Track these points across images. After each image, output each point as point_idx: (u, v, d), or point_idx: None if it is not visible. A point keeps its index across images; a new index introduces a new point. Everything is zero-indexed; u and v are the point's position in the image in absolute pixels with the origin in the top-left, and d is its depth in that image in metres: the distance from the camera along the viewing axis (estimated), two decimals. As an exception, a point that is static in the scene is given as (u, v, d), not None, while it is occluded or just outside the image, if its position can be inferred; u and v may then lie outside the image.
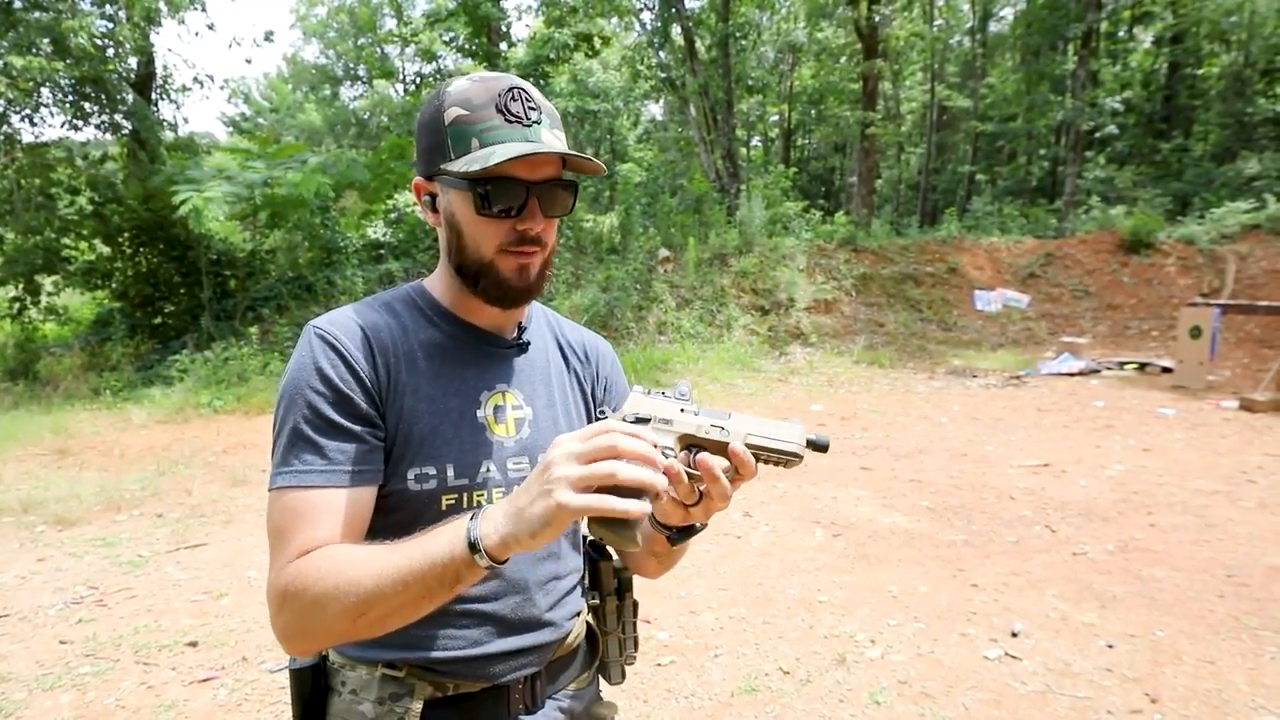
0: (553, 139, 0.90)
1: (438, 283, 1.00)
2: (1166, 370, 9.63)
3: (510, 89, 0.88)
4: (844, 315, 12.67)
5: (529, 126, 0.88)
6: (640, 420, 0.78)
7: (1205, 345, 8.70)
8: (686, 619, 3.31)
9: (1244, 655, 2.91)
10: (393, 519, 0.88)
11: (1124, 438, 6.54)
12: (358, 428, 0.87)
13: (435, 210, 0.94)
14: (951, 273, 13.96)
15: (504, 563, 0.75)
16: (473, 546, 0.72)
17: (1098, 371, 10.08)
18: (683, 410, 0.80)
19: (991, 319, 13.16)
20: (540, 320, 1.09)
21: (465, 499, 0.92)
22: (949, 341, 12.39)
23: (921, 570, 3.80)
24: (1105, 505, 4.76)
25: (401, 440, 0.90)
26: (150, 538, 4.43)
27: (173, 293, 10.80)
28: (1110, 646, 2.99)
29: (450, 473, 0.91)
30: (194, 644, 3.11)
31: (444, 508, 0.90)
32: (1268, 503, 4.75)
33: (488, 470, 0.93)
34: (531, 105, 0.89)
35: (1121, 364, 10.35)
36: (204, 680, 2.83)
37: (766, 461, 0.78)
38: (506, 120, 0.87)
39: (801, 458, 0.77)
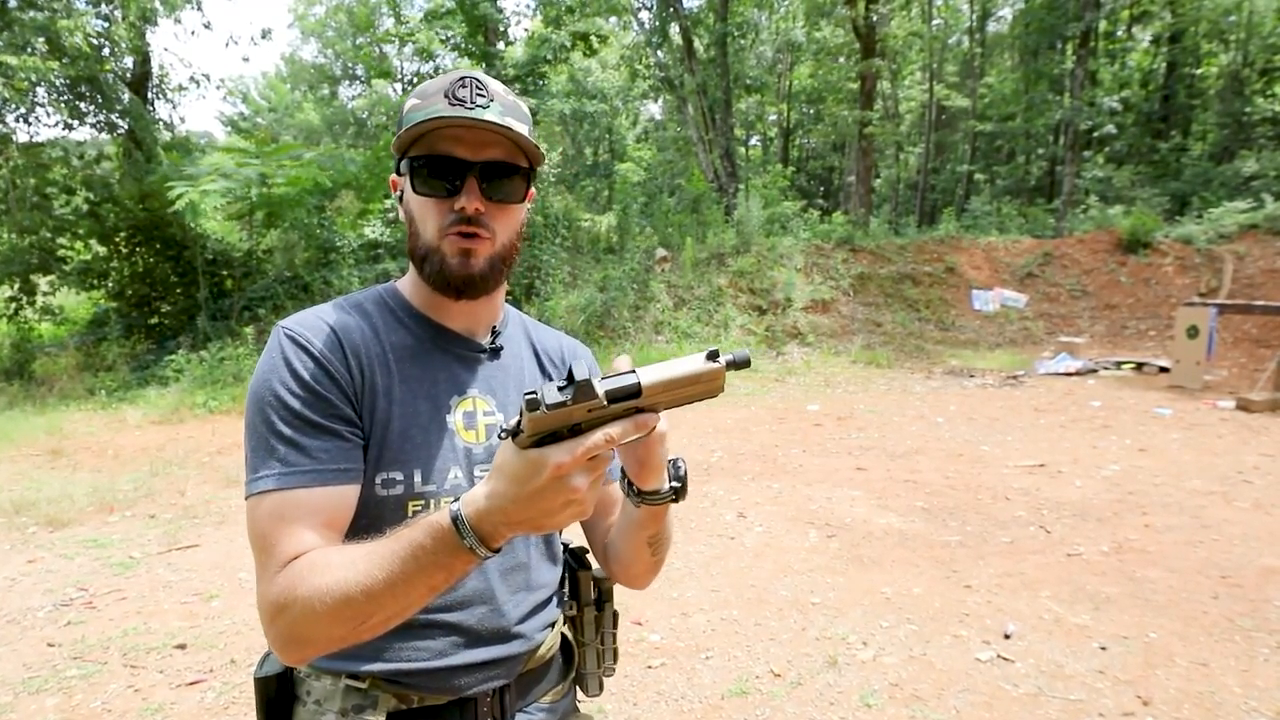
0: (498, 120, 0.87)
1: (409, 283, 0.99)
2: (1163, 370, 9.63)
3: (463, 78, 0.89)
4: (841, 315, 12.67)
5: (471, 109, 0.87)
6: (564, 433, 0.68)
7: (1202, 345, 8.69)
8: (678, 620, 3.30)
9: (1237, 657, 2.90)
10: (358, 524, 0.86)
11: (1120, 438, 6.53)
12: (338, 426, 0.85)
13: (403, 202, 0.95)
14: (949, 272, 13.96)
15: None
16: (470, 546, 0.70)
17: (1095, 371, 10.08)
18: (589, 410, 0.68)
19: (989, 319, 13.15)
20: (515, 325, 1.07)
21: (431, 505, 0.90)
22: (946, 341, 12.39)
23: (915, 571, 3.79)
24: (1100, 506, 4.75)
25: (375, 444, 0.88)
26: (142, 539, 4.41)
27: (169, 292, 10.78)
28: (1103, 648, 2.98)
29: (417, 478, 0.89)
30: (183, 646, 3.09)
31: (410, 514, 0.88)
32: (1263, 503, 4.74)
33: (455, 477, 0.92)
34: (481, 92, 0.88)
35: (1119, 364, 10.35)
36: (192, 683, 2.81)
37: (688, 403, 0.71)
38: (450, 103, 0.87)
39: (717, 382, 0.68)
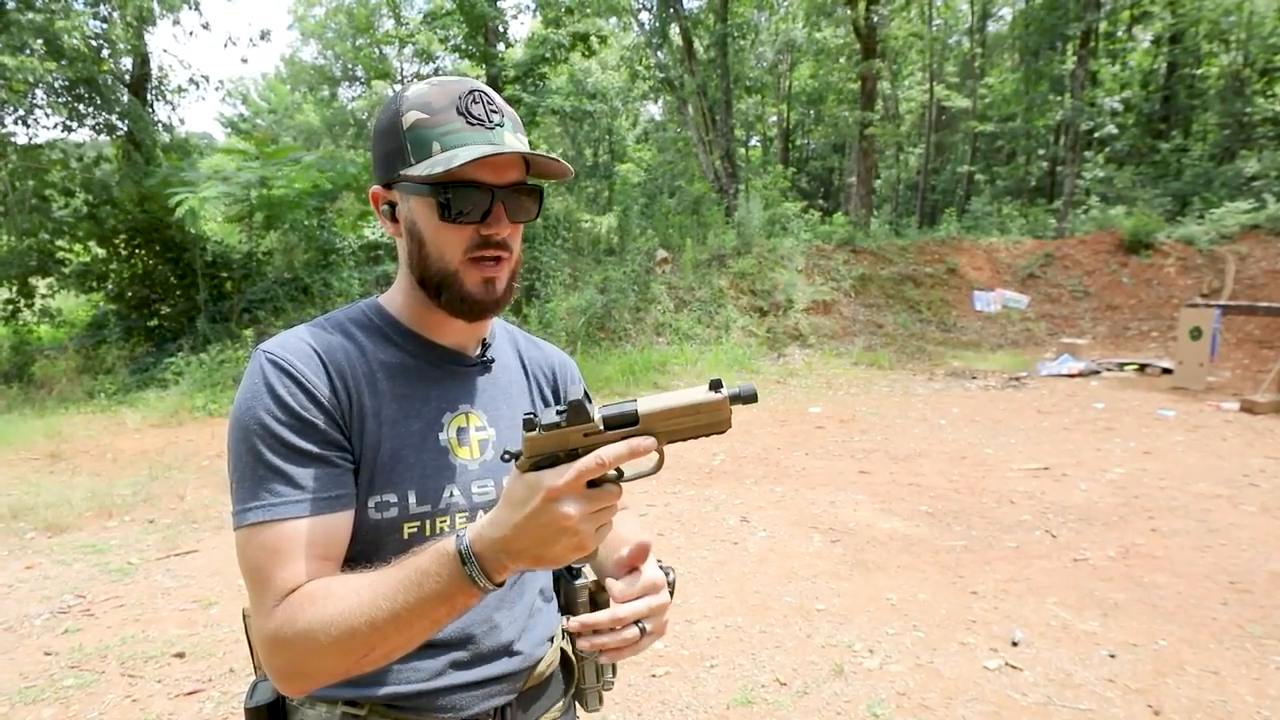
0: (515, 142, 0.87)
1: (396, 299, 0.96)
2: (1166, 371, 9.60)
3: (471, 91, 0.86)
4: (842, 316, 12.63)
5: (491, 129, 0.85)
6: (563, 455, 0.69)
7: (1205, 346, 8.66)
8: (682, 628, 3.26)
9: (1248, 665, 2.87)
10: (352, 549, 0.84)
11: (1124, 440, 6.49)
12: (327, 452, 0.83)
13: (395, 220, 0.90)
14: (950, 273, 13.92)
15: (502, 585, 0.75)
16: (470, 575, 0.71)
17: (1097, 373, 10.05)
18: (585, 434, 0.69)
19: (991, 320, 13.12)
20: (503, 337, 1.06)
21: (427, 526, 0.88)
22: (948, 343, 12.35)
23: (920, 577, 3.76)
24: (1106, 509, 4.72)
25: (365, 467, 0.86)
26: (140, 544, 4.38)
27: (168, 294, 10.74)
28: (1112, 656, 2.95)
29: (412, 499, 0.87)
30: (181, 655, 3.06)
31: (406, 536, 0.87)
32: (1270, 506, 4.70)
33: (451, 495, 0.90)
34: (493, 109, 0.86)
35: (1121, 365, 10.32)
36: (190, 693, 2.78)
37: (693, 436, 0.70)
38: (469, 123, 0.84)
39: (721, 415, 0.67)
